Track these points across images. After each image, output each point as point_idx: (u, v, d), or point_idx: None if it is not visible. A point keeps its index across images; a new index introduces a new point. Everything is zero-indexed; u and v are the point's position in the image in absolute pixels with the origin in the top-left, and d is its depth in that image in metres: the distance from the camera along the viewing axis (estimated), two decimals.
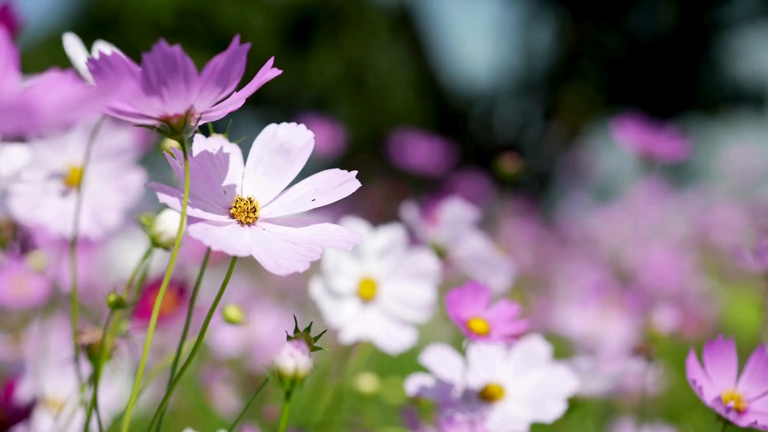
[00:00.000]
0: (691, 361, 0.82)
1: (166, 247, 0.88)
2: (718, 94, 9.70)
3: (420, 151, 3.73)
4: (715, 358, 0.84)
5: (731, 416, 0.82)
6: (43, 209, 1.05)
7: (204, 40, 8.24)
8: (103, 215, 1.07)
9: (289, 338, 0.74)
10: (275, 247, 0.68)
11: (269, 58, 0.68)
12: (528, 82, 10.07)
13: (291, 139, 0.75)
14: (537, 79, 10.05)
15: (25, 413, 1.00)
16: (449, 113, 9.69)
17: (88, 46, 0.95)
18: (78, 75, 0.83)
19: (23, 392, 1.06)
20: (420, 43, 9.96)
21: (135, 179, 1.08)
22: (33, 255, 1.24)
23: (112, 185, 1.08)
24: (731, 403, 0.82)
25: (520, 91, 10.07)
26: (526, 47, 10.20)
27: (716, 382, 0.84)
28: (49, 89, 0.53)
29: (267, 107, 8.72)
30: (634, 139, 1.89)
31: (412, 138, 3.76)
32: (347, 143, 2.57)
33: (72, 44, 0.89)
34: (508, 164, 1.72)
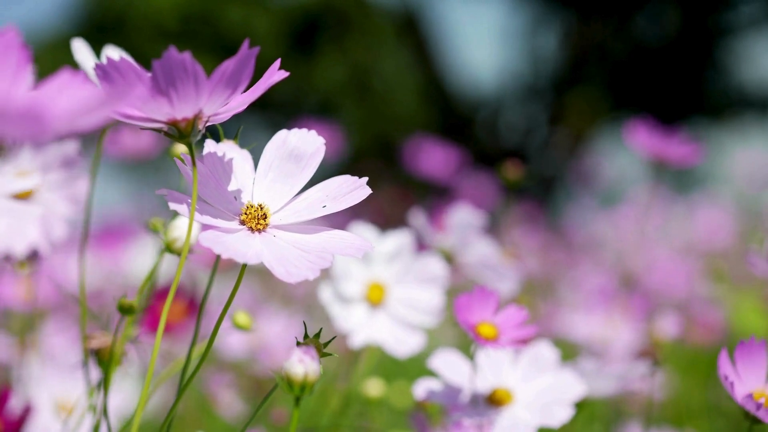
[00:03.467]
0: (723, 359, 0.85)
1: (180, 253, 0.87)
2: (723, 99, 9.70)
3: (430, 156, 3.73)
4: (745, 358, 0.87)
5: (761, 414, 0.84)
6: None
7: (209, 44, 8.24)
8: (53, 227, 1.05)
9: (298, 344, 0.74)
10: (285, 255, 0.68)
11: (274, 62, 0.68)
12: (534, 87, 10.07)
13: (302, 145, 0.75)
14: (542, 84, 10.05)
15: (18, 423, 1.00)
16: (455, 118, 9.69)
17: (93, 50, 0.94)
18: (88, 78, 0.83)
19: (17, 401, 1.05)
20: (425, 48, 9.96)
21: (82, 189, 1.07)
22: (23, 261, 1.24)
23: (62, 195, 1.07)
24: (762, 400, 0.84)
25: (525, 96, 10.07)
26: (531, 52, 10.20)
27: (745, 381, 0.87)
28: (59, 93, 0.52)
29: (272, 111, 8.72)
30: (645, 144, 1.88)
31: (423, 143, 3.77)
32: (352, 148, 2.58)
33: (80, 49, 0.88)
34: (511, 171, 1.72)
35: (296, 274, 0.65)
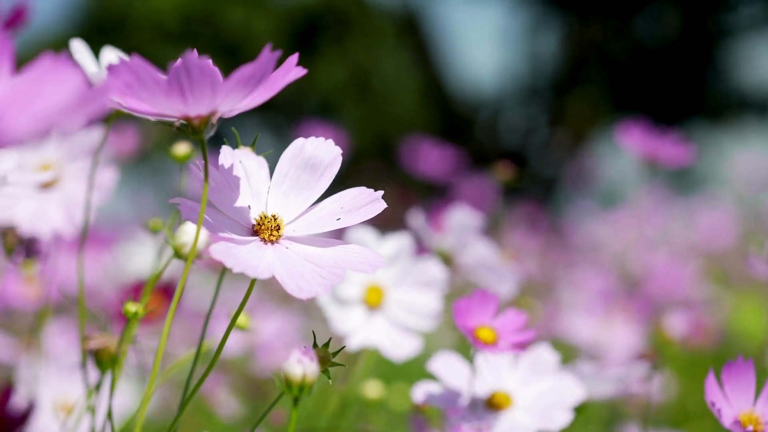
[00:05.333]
0: (710, 383, 0.82)
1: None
2: (723, 101, 9.70)
3: (429, 157, 3.73)
4: (733, 379, 0.84)
5: None
6: (18, 209, 1.05)
7: (209, 45, 8.24)
8: (76, 213, 1.07)
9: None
10: (297, 269, 0.67)
11: (281, 60, 0.67)
12: (533, 88, 10.06)
13: (318, 154, 0.73)
14: (542, 85, 10.05)
15: (20, 421, 1.00)
16: (455, 119, 9.69)
17: (94, 51, 0.94)
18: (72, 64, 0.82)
19: (19, 399, 1.05)
20: (426, 49, 9.96)
21: (108, 177, 1.08)
22: (26, 261, 1.24)
23: (86, 183, 1.08)
24: (750, 428, 0.82)
25: (525, 97, 10.07)
26: (531, 53, 10.20)
27: (734, 403, 0.84)
28: (36, 87, 0.48)
29: (273, 112, 8.72)
30: (638, 144, 1.89)
31: (422, 144, 3.77)
32: (353, 149, 2.58)
33: (79, 50, 0.87)
34: (502, 171, 1.73)
35: (307, 290, 0.65)
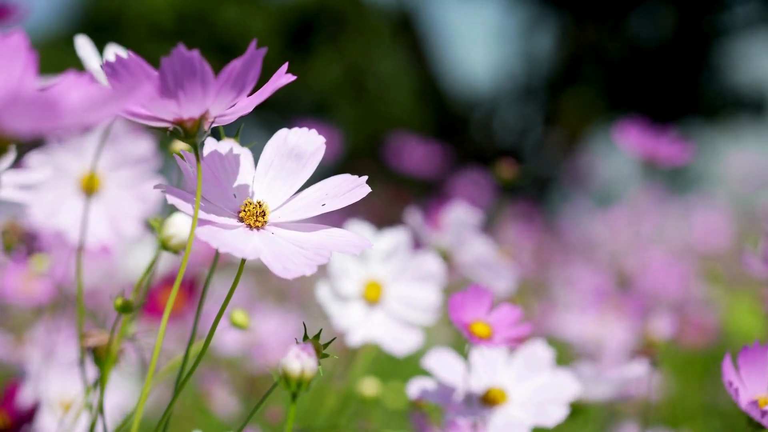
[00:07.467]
0: (727, 364, 0.84)
1: (176, 251, 0.87)
2: (717, 100, 9.71)
3: (418, 155, 3.73)
4: (749, 363, 0.86)
5: (765, 421, 0.83)
6: (62, 216, 1.05)
7: (204, 44, 8.23)
8: (122, 224, 1.07)
9: (298, 343, 0.74)
10: (283, 251, 0.67)
11: (270, 61, 0.68)
12: (529, 88, 10.07)
13: (302, 144, 0.74)
14: (538, 85, 10.05)
15: (27, 417, 1.00)
16: (450, 118, 9.69)
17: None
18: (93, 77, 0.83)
19: (26, 396, 1.06)
20: (421, 48, 9.97)
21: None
22: (35, 257, 1.25)
23: (131, 193, 1.08)
24: (767, 408, 0.83)
25: (520, 97, 10.08)
26: (527, 52, 10.21)
27: (749, 386, 0.86)
28: (69, 89, 0.52)
29: (267, 111, 8.71)
30: (636, 143, 1.89)
31: (409, 142, 3.77)
32: (347, 148, 2.58)
33: (83, 46, 0.88)
34: (505, 170, 1.73)
35: (293, 270, 0.65)
